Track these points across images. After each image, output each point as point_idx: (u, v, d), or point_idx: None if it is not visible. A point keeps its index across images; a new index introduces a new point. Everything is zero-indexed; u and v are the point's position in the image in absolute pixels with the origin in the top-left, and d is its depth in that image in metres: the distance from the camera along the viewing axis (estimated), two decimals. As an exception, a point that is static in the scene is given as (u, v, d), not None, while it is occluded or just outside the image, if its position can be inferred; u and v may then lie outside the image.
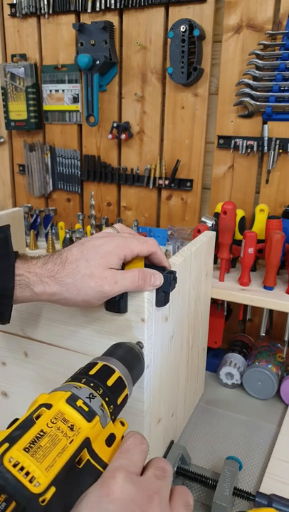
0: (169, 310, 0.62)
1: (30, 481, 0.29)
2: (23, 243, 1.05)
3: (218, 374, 1.03)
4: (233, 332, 1.16)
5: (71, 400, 0.37)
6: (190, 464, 0.75)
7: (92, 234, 1.12)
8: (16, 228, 1.01)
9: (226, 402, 0.96)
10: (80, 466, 0.33)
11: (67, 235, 1.15)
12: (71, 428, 0.34)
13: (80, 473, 0.33)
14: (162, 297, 0.56)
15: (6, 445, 0.31)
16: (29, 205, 1.30)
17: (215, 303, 1.00)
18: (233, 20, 1.03)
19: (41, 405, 0.35)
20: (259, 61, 1.01)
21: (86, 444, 0.34)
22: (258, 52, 1.00)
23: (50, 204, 1.44)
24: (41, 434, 0.32)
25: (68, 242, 1.15)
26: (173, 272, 0.56)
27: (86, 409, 0.37)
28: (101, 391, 0.40)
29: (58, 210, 1.41)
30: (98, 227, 1.21)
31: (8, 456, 0.30)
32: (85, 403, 0.37)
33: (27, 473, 0.29)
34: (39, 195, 1.42)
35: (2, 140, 1.44)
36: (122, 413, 0.43)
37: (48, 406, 0.35)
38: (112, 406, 0.40)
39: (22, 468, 0.29)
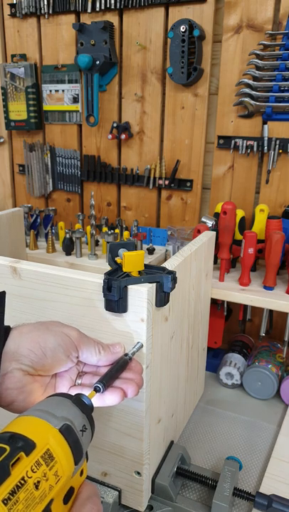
0: (169, 310, 0.62)
1: None
2: (23, 243, 1.05)
3: (218, 374, 1.03)
4: (233, 332, 1.16)
5: (66, 433, 0.32)
6: (190, 464, 0.75)
7: (92, 234, 1.12)
8: (16, 228, 1.01)
9: (226, 402, 0.96)
10: None
11: (67, 235, 1.15)
12: (55, 475, 0.30)
13: None
14: (162, 297, 0.56)
15: None
16: (29, 205, 1.30)
17: (215, 303, 1.00)
18: (233, 20, 1.03)
19: (19, 439, 0.30)
20: (259, 61, 1.01)
21: (50, 503, 0.30)
22: (258, 52, 1.00)
23: (50, 204, 1.44)
24: (22, 482, 0.28)
25: (68, 242, 1.15)
26: (173, 272, 0.56)
27: (78, 447, 0.33)
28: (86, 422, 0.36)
29: (58, 210, 1.41)
30: (98, 227, 1.20)
31: None
32: (78, 440, 0.33)
33: None
34: (39, 195, 1.42)
35: (2, 140, 1.44)
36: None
37: (30, 446, 0.30)
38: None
39: None
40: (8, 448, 0.29)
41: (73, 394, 0.39)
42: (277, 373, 0.97)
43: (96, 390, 0.43)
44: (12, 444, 0.29)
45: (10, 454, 0.28)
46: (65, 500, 0.32)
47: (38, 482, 0.29)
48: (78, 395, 0.39)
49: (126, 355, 0.50)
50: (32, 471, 0.29)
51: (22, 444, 0.30)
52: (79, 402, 0.37)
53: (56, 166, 1.37)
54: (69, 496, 0.33)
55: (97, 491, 0.36)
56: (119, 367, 0.48)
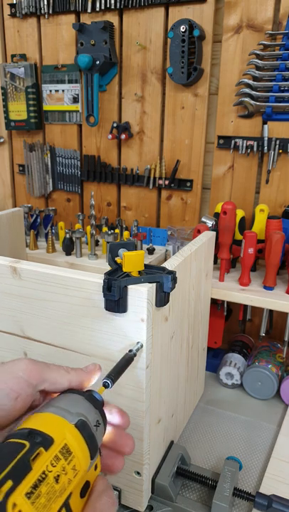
0: (169, 310, 0.62)
1: None
2: (23, 243, 1.05)
3: (218, 374, 1.03)
4: (233, 332, 1.16)
5: (82, 428, 0.33)
6: (190, 464, 0.75)
7: (92, 234, 1.12)
8: (16, 228, 1.01)
9: (226, 402, 0.96)
10: None
11: (67, 235, 1.15)
12: (73, 469, 0.31)
13: None
14: (162, 297, 0.56)
15: (10, 484, 0.27)
16: (29, 205, 1.30)
17: (215, 303, 1.00)
18: (233, 20, 1.03)
19: (37, 435, 0.31)
20: (259, 61, 1.01)
21: (69, 497, 0.31)
22: (258, 52, 1.00)
23: (50, 204, 1.44)
24: (43, 476, 0.29)
25: (68, 242, 1.15)
26: (173, 272, 0.56)
27: (93, 442, 0.33)
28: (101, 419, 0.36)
29: (58, 210, 1.41)
30: (98, 227, 1.21)
31: (12, 501, 0.26)
32: (92, 434, 0.33)
33: None
34: (39, 195, 1.42)
35: (2, 140, 1.44)
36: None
37: (48, 441, 0.31)
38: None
39: None
40: (27, 444, 0.29)
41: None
42: (277, 373, 0.97)
43: (105, 385, 0.43)
44: (31, 439, 0.30)
45: (30, 450, 0.29)
46: (82, 494, 0.33)
47: (58, 476, 0.30)
48: (90, 391, 0.39)
49: (130, 351, 0.50)
50: (52, 465, 0.30)
51: (41, 440, 0.30)
52: (91, 398, 0.38)
53: (56, 166, 1.37)
54: (85, 490, 0.34)
55: (110, 484, 0.36)
56: (126, 362, 0.47)
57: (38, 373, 0.37)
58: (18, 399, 0.36)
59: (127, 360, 0.48)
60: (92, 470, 0.35)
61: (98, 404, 0.38)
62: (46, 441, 0.30)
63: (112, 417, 0.41)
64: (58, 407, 0.34)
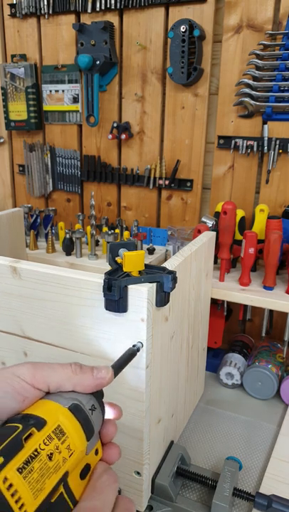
0: (169, 310, 0.62)
1: (20, 509, 0.28)
2: (23, 243, 1.05)
3: (218, 374, 1.03)
4: (233, 332, 1.16)
5: (75, 410, 0.34)
6: (190, 464, 0.75)
7: (92, 234, 1.12)
8: (16, 228, 1.01)
9: (226, 402, 0.96)
10: (53, 500, 0.31)
11: (67, 235, 1.15)
12: (68, 448, 0.32)
13: (50, 509, 0.31)
14: (162, 297, 0.56)
15: (1, 460, 0.28)
16: (29, 205, 1.30)
17: (215, 303, 1.00)
18: (233, 20, 1.03)
19: (31, 418, 0.32)
20: (259, 61, 1.01)
21: (66, 476, 0.32)
22: (258, 52, 1.00)
23: (50, 204, 1.44)
24: (35, 454, 0.30)
25: (68, 242, 1.15)
26: (173, 272, 0.56)
27: (88, 424, 0.34)
28: (97, 404, 0.37)
29: (58, 211, 1.41)
30: (98, 228, 1.20)
31: (3, 475, 0.28)
32: (87, 417, 0.34)
33: (17, 500, 0.28)
34: (39, 196, 1.42)
35: (2, 140, 1.44)
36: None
37: (40, 423, 0.32)
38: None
39: (14, 493, 0.28)
40: (20, 426, 0.31)
41: None
42: (277, 373, 0.97)
43: None
44: (24, 422, 0.32)
45: (22, 430, 0.31)
46: (82, 476, 0.35)
47: (51, 454, 0.31)
48: None
49: (134, 346, 0.50)
50: (44, 443, 0.31)
51: (33, 422, 0.32)
52: None
53: (56, 166, 1.37)
54: (86, 472, 0.35)
55: (114, 473, 0.37)
56: (128, 356, 0.47)
57: (41, 378, 0.37)
58: (25, 401, 0.36)
59: (130, 354, 0.47)
60: (92, 454, 0.36)
61: (95, 393, 0.38)
62: (39, 423, 0.32)
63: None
64: (52, 393, 0.36)
